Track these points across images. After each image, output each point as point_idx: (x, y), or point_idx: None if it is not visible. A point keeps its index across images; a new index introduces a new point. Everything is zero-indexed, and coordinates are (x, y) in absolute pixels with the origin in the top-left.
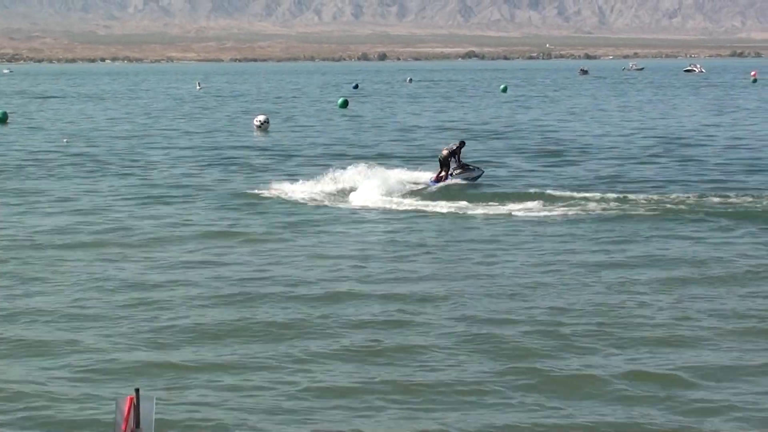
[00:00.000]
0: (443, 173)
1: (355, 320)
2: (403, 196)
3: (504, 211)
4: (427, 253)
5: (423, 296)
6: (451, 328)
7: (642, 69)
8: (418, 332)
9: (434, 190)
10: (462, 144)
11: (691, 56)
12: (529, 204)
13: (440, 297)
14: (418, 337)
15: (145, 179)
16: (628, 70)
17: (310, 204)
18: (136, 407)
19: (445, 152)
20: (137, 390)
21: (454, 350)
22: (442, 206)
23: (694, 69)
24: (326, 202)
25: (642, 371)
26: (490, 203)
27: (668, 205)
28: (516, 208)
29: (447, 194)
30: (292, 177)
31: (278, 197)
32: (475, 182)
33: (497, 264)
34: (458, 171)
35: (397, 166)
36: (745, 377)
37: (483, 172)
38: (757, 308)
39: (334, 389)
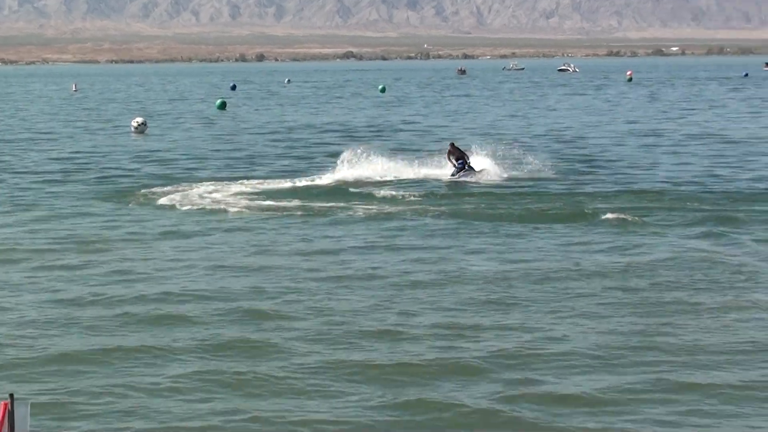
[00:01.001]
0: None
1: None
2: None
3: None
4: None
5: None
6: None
7: (522, 69)
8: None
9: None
10: (450, 145)
11: (568, 56)
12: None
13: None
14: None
15: (12, 184)
16: (509, 69)
17: (184, 209)
18: (11, 413)
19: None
20: (11, 395)
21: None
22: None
23: (568, 68)
24: (202, 207)
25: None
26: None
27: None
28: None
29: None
30: (169, 180)
31: (152, 201)
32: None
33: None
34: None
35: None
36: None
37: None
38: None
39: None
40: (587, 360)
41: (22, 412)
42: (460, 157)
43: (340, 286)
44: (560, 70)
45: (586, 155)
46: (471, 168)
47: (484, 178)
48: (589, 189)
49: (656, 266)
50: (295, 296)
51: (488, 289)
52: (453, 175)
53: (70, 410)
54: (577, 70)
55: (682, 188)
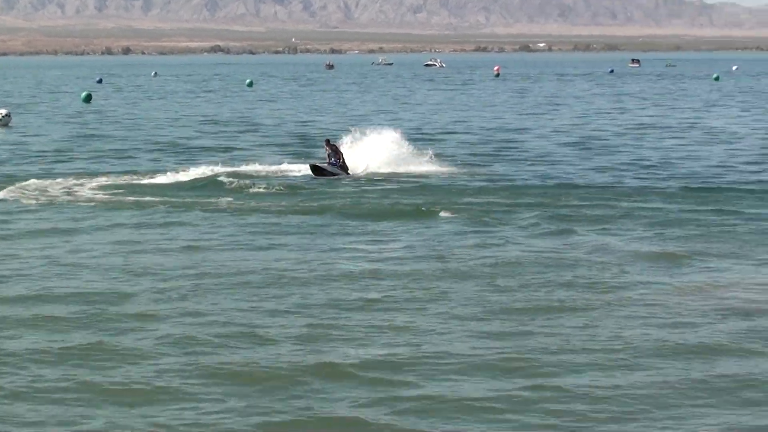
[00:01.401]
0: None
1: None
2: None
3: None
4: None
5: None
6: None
7: (391, 64)
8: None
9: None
10: (325, 142)
11: (436, 51)
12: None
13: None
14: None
15: None
16: (378, 64)
17: (45, 203)
18: None
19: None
20: None
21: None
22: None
23: (435, 63)
24: (65, 201)
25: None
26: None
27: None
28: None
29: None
30: (32, 173)
31: (12, 195)
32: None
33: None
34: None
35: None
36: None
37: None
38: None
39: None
40: (457, 361)
41: None
42: (335, 153)
43: (201, 285)
44: (427, 65)
45: (454, 152)
46: (343, 168)
47: (358, 173)
48: (458, 185)
49: (522, 263)
50: (156, 296)
51: (356, 288)
52: (324, 171)
53: None
54: (444, 65)
55: (547, 183)
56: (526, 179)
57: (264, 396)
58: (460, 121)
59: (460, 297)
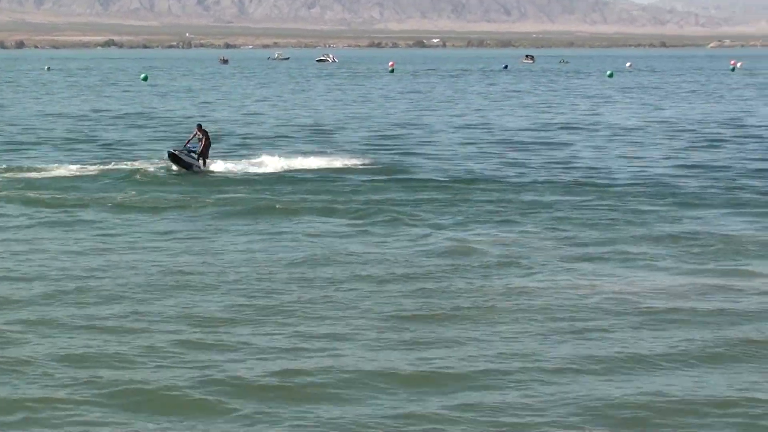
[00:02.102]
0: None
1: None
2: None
3: None
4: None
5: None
6: None
7: (288, 59)
8: None
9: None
10: (198, 126)
11: (330, 46)
12: None
13: None
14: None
15: None
16: (274, 59)
17: None
18: None
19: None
20: None
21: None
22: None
23: (327, 59)
24: None
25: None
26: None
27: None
28: None
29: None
30: None
31: None
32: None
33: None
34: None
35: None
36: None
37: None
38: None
39: None
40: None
41: None
42: (204, 139)
43: (66, 283)
44: (319, 60)
45: (351, 147)
46: (202, 155)
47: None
48: (353, 181)
49: (421, 257)
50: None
51: (247, 287)
52: (180, 159)
53: None
54: (336, 60)
55: (446, 178)
56: (425, 173)
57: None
58: (354, 117)
59: (382, 292)
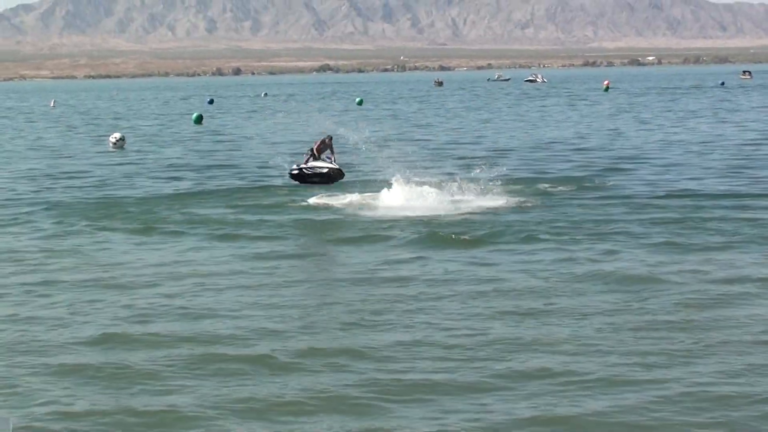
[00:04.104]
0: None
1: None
2: None
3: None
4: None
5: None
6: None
7: (509, 80)
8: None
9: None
10: (329, 138)
11: (544, 66)
12: None
13: None
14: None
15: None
16: (494, 80)
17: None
18: None
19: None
20: None
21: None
22: None
23: (536, 79)
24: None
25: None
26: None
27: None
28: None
29: None
30: (143, 195)
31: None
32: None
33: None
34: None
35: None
36: None
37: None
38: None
39: None
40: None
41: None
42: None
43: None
44: (528, 80)
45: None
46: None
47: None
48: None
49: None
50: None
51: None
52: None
53: None
54: (546, 80)
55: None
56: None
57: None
58: (580, 136)
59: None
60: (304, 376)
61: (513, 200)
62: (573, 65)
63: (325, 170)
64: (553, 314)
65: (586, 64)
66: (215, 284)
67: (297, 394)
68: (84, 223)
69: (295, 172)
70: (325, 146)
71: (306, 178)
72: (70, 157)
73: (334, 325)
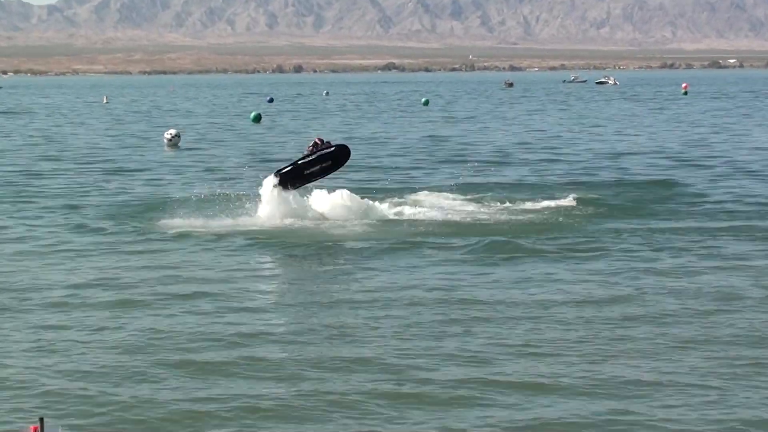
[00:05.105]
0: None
1: None
2: None
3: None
4: None
5: None
6: None
7: (585, 81)
8: None
9: None
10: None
11: (620, 68)
12: None
13: None
14: None
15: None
16: (570, 81)
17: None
18: None
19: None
20: (41, 419)
21: None
22: None
23: (608, 81)
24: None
25: None
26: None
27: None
28: None
29: None
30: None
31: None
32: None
33: None
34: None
35: None
36: None
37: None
38: None
39: None
40: None
41: None
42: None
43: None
44: (599, 83)
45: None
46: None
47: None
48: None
49: None
50: None
51: None
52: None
53: None
54: (618, 83)
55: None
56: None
57: None
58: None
59: None
60: (308, 380)
61: None
62: (650, 67)
63: (332, 148)
64: (561, 322)
65: (663, 66)
66: (229, 287)
67: (300, 398)
68: (134, 222)
69: (288, 169)
70: (317, 148)
71: (301, 171)
72: (122, 154)
73: (334, 331)
